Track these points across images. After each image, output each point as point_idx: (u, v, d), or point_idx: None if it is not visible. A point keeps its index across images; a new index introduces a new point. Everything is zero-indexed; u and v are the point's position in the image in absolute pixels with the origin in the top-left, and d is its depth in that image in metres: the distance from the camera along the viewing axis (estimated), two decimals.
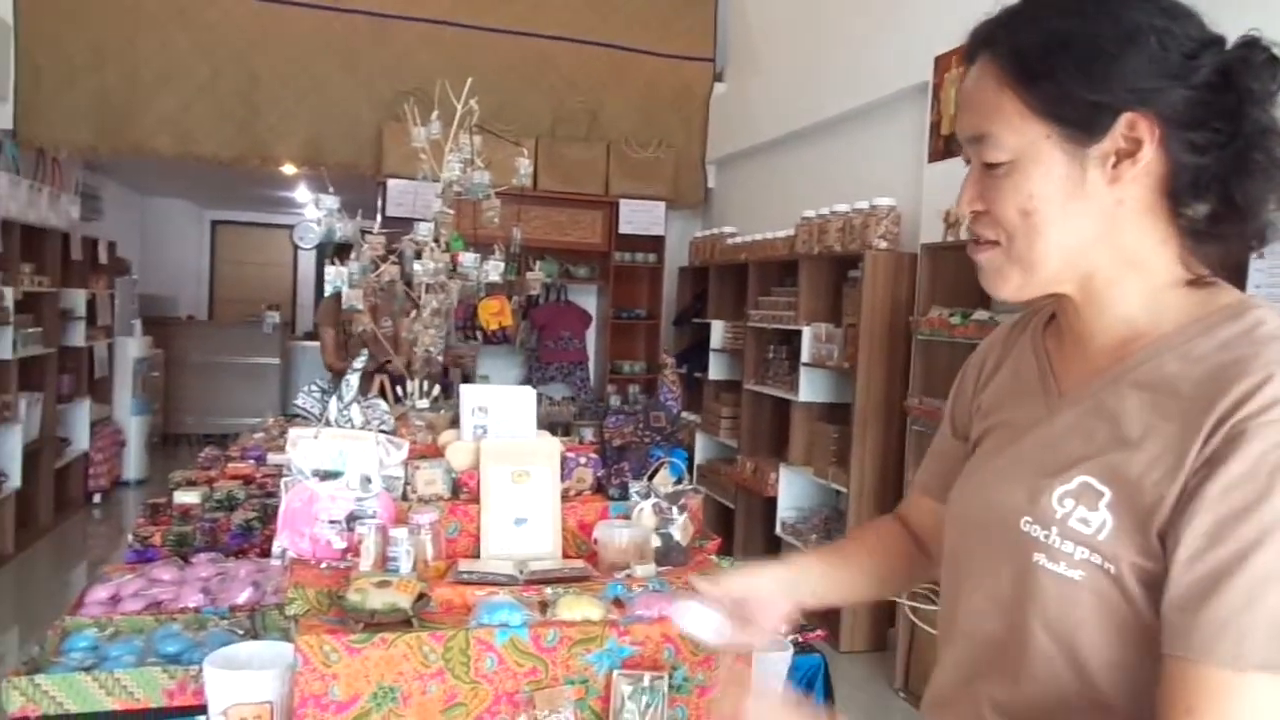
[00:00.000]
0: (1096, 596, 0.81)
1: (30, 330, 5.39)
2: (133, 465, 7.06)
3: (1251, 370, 0.76)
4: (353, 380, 1.80)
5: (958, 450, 1.09)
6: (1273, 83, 0.81)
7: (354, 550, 1.62)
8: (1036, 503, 0.86)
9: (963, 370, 1.14)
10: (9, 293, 5.02)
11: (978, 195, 0.89)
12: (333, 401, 1.77)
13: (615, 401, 6.24)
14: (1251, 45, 0.81)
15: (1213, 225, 0.84)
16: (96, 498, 6.54)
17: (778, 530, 4.73)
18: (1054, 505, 0.84)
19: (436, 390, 2.78)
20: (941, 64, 4.07)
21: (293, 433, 1.72)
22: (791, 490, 4.71)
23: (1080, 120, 0.82)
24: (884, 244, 4.15)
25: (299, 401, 1.81)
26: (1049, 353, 0.98)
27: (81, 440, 6.36)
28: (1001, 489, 0.92)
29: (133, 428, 7.03)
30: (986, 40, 0.88)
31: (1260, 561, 0.72)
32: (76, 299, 6.14)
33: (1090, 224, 0.85)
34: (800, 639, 1.95)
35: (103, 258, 6.79)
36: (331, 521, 1.67)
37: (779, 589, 1.09)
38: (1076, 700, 0.84)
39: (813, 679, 1.89)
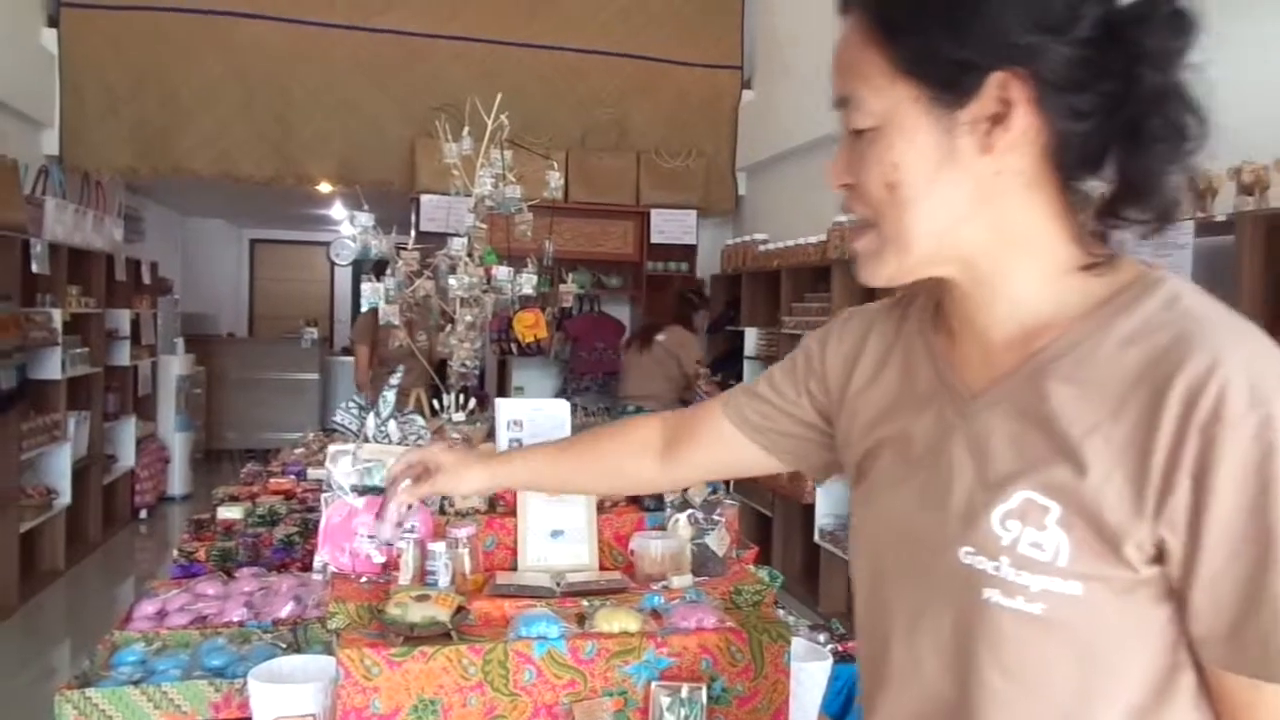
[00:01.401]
0: (1067, 630, 0.73)
1: (78, 350, 5.52)
2: (177, 481, 7.20)
3: (1191, 354, 0.69)
4: (389, 396, 1.82)
5: (795, 412, 1.02)
6: (1177, 39, 0.70)
7: (393, 565, 1.64)
8: (975, 527, 0.76)
9: (822, 338, 1.02)
10: (57, 314, 5.15)
11: (846, 167, 0.81)
12: (370, 417, 1.80)
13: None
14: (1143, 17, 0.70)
15: (1113, 203, 0.75)
16: (143, 513, 6.68)
17: (816, 538, 4.71)
18: (996, 530, 0.75)
19: (472, 403, 2.80)
20: None
21: (331, 449, 1.75)
22: (829, 497, 4.68)
23: (946, 80, 0.73)
24: None
25: (337, 418, 1.83)
26: (941, 349, 0.87)
27: (128, 457, 6.50)
28: (923, 514, 0.82)
29: (176, 444, 7.17)
30: None
31: None
32: (121, 319, 6.29)
33: (963, 198, 0.75)
34: (840, 648, 1.94)
35: (145, 278, 6.94)
36: (370, 536, 1.69)
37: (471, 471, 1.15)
38: None
39: (852, 688, 1.88)
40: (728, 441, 1.09)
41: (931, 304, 0.91)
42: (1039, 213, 0.77)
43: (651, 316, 6.53)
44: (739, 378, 5.77)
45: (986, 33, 0.70)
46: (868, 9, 0.77)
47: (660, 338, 5.31)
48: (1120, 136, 0.73)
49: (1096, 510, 0.71)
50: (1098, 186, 0.76)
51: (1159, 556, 0.72)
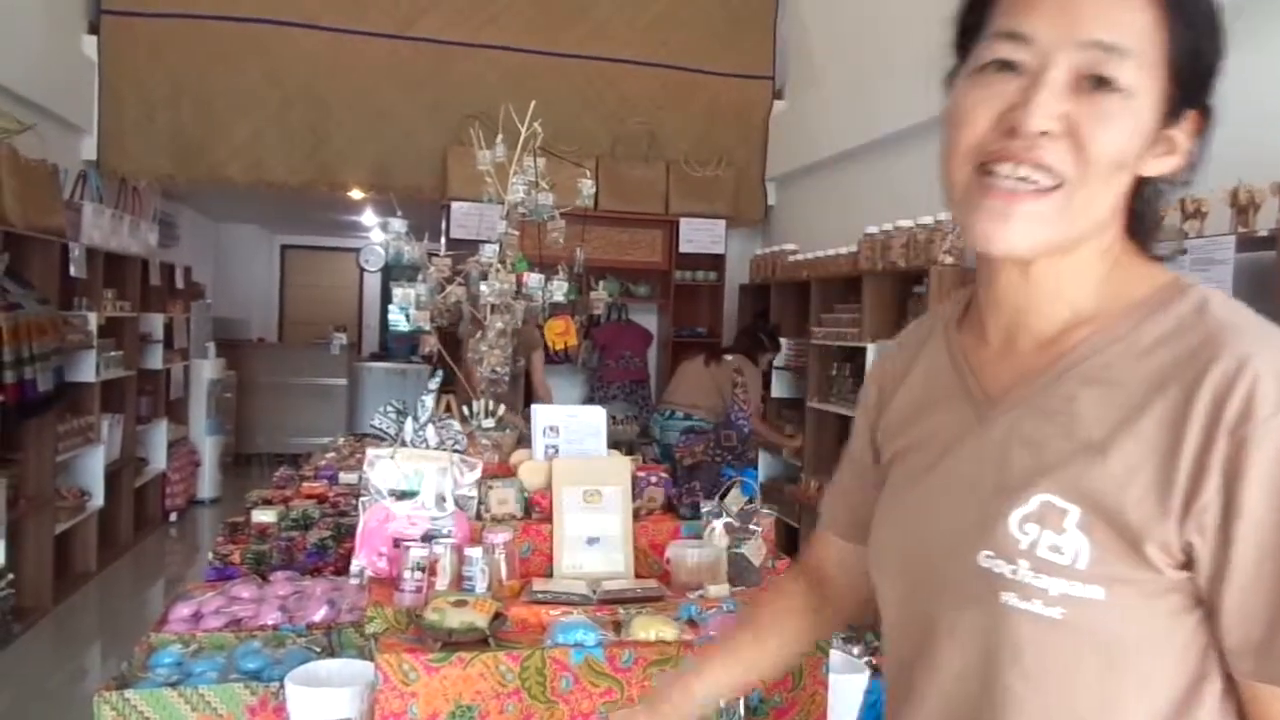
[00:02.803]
0: (1088, 635, 0.72)
1: (112, 354, 5.59)
2: (207, 484, 7.26)
3: (1220, 356, 0.69)
4: (428, 400, 1.83)
5: (873, 478, 0.96)
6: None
7: (430, 570, 1.64)
8: (991, 532, 0.75)
9: (863, 389, 1.02)
10: (93, 318, 5.21)
11: (1063, 115, 0.71)
12: (408, 422, 1.80)
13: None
14: None
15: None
16: (173, 516, 6.74)
17: None
18: (1014, 533, 0.74)
19: (502, 410, 2.81)
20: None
21: (370, 453, 1.75)
22: None
23: (1192, 85, 0.74)
24: (949, 260, 4.09)
25: (375, 422, 1.84)
26: (965, 352, 0.86)
27: (159, 460, 6.57)
28: (940, 518, 0.81)
29: (207, 447, 7.24)
30: None
31: None
32: (155, 323, 6.36)
33: (1118, 199, 0.76)
34: (874, 661, 1.92)
35: (179, 282, 7.02)
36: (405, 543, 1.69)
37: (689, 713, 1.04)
38: None
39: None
40: (850, 557, 1.02)
41: (960, 308, 0.90)
42: (1117, 220, 0.79)
43: (679, 325, 6.55)
44: (767, 388, 5.74)
45: (1214, 74, 0.75)
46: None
47: (729, 359, 5.33)
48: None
49: (1119, 511, 0.70)
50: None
51: (1187, 562, 0.71)
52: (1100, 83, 0.71)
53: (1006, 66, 0.74)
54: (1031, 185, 0.72)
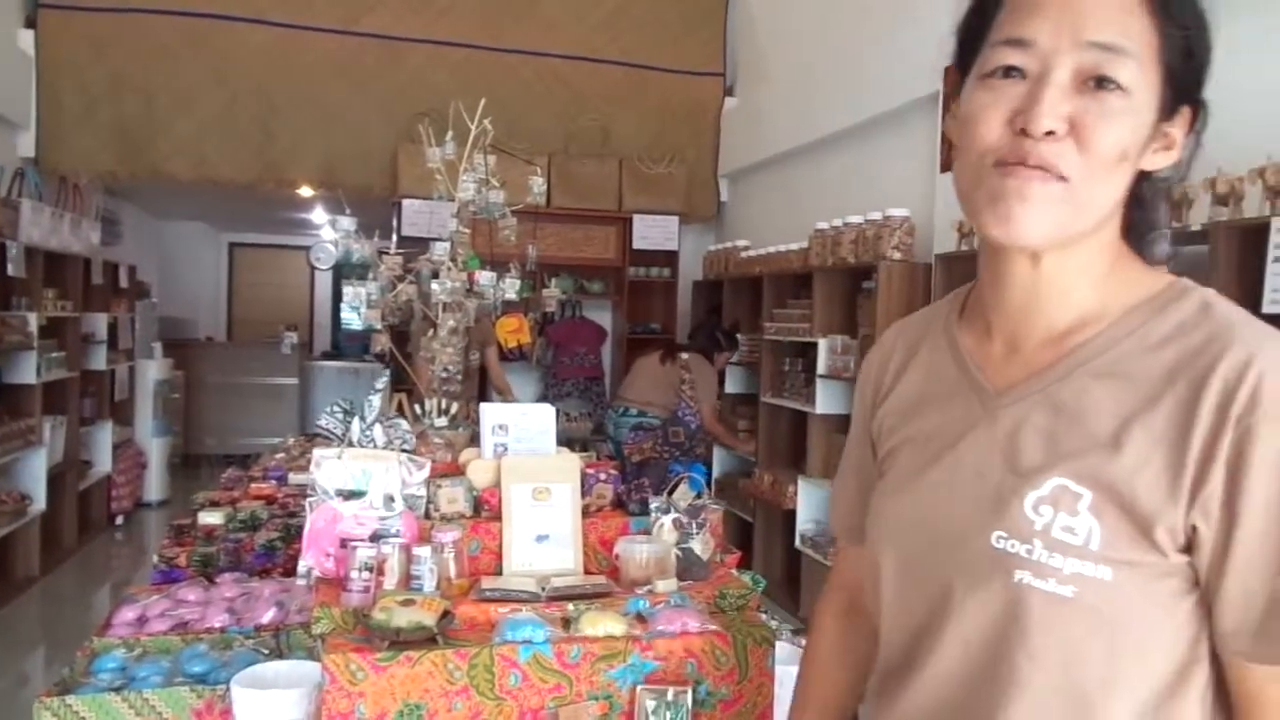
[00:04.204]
0: (1095, 614, 0.75)
1: (54, 355, 5.46)
2: (154, 487, 7.13)
3: (1228, 350, 0.73)
4: (375, 400, 1.82)
5: (878, 480, 0.96)
6: None
7: (378, 569, 1.63)
8: (1006, 514, 0.78)
9: (857, 392, 1.03)
10: (33, 318, 5.09)
11: (1063, 115, 0.75)
12: (355, 422, 1.79)
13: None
14: None
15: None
16: (119, 519, 6.61)
17: (797, 543, 4.73)
18: (1029, 514, 0.77)
19: (454, 408, 2.80)
20: (951, 75, 4.07)
21: (316, 453, 1.74)
22: (810, 503, 4.70)
23: (1186, 84, 0.79)
24: (898, 255, 4.16)
25: (322, 422, 1.83)
26: (969, 346, 0.89)
27: (104, 462, 6.43)
28: (949, 505, 0.83)
29: (154, 449, 7.10)
30: None
31: None
32: (98, 323, 6.23)
33: (1122, 194, 0.80)
34: None
35: (123, 282, 6.88)
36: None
37: None
38: None
39: None
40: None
41: (958, 305, 0.94)
42: (1116, 223, 0.83)
43: (634, 321, 6.57)
44: (720, 383, 5.78)
45: (1205, 71, 0.79)
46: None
47: (684, 357, 5.34)
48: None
49: (1130, 497, 0.74)
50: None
51: (1189, 546, 0.74)
52: (1101, 82, 0.74)
53: (1012, 70, 0.77)
54: (1043, 175, 0.76)
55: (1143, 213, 0.84)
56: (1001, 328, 0.86)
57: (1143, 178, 0.81)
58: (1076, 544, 0.75)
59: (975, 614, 0.80)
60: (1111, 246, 0.82)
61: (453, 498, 1.84)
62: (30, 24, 5.63)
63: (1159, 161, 0.80)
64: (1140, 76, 0.75)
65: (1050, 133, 0.74)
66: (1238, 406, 0.71)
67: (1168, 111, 0.78)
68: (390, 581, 1.60)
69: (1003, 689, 0.78)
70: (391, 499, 1.72)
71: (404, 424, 1.89)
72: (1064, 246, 0.79)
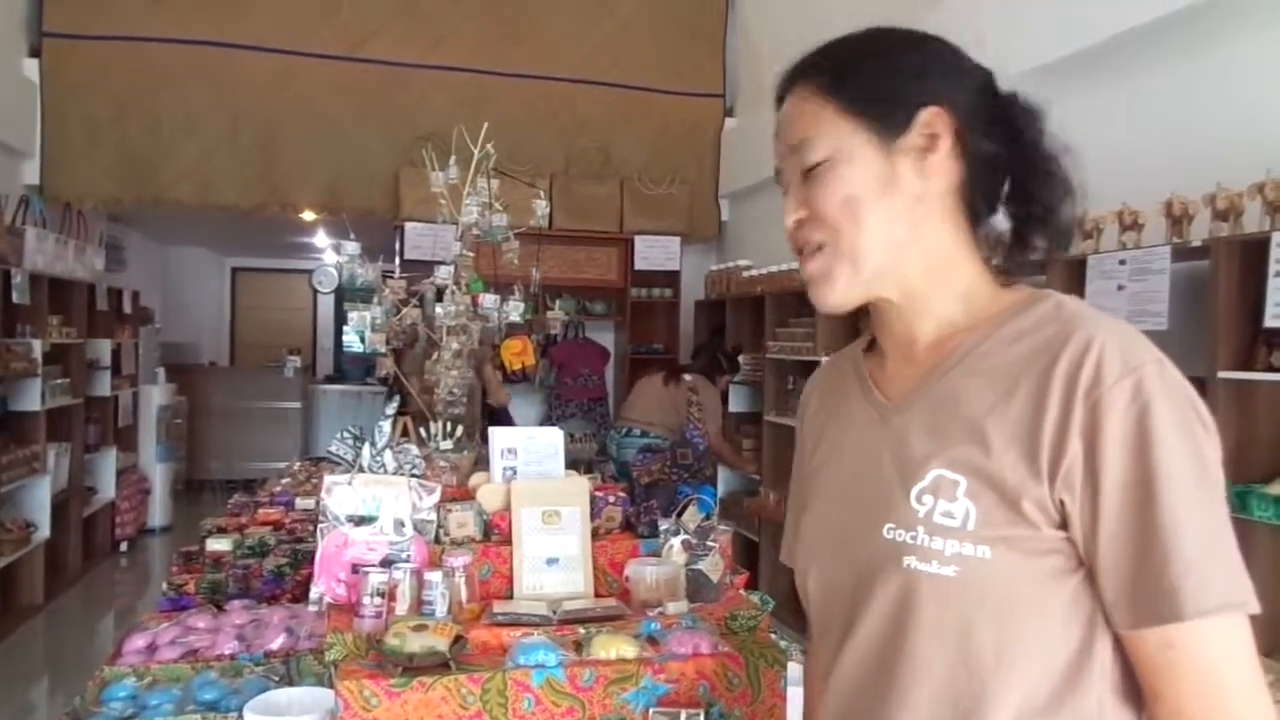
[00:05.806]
0: (981, 593, 0.80)
1: (58, 381, 5.47)
2: (158, 513, 7.12)
3: (1071, 338, 0.81)
4: (385, 426, 1.83)
5: None
6: (1032, 114, 0.90)
7: (390, 595, 1.64)
8: (894, 507, 0.86)
9: (798, 414, 1.12)
10: (38, 345, 5.11)
11: (801, 203, 0.92)
12: (366, 447, 1.80)
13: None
14: (1010, 96, 0.91)
15: (1020, 234, 0.91)
16: (123, 546, 6.59)
17: None
18: (914, 505, 0.84)
19: (459, 432, 2.80)
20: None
21: (327, 479, 1.75)
22: None
23: (885, 114, 0.88)
24: None
25: (332, 448, 1.83)
26: (871, 374, 0.98)
27: (108, 489, 6.43)
28: (853, 512, 0.91)
29: (158, 475, 7.10)
30: (802, 69, 0.94)
31: (1175, 513, 0.74)
32: (102, 349, 6.24)
33: (903, 220, 0.88)
34: None
35: (127, 307, 6.90)
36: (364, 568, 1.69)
37: None
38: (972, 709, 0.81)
39: None
40: None
41: (865, 341, 1.03)
42: (956, 242, 0.91)
43: (636, 342, 6.59)
44: (725, 403, 5.78)
45: (911, 75, 0.89)
46: (819, 71, 0.92)
47: (689, 379, 5.33)
48: (1020, 169, 0.89)
49: (1000, 479, 0.81)
50: (1000, 220, 0.93)
51: (1063, 522, 0.80)
52: (811, 168, 0.90)
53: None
54: (809, 253, 0.91)
55: (1010, 253, 0.92)
56: (892, 349, 0.96)
57: (969, 191, 0.89)
58: (955, 526, 0.81)
59: (880, 604, 0.86)
60: (966, 276, 0.91)
61: (463, 522, 1.84)
62: (35, 52, 5.69)
63: (937, 166, 0.87)
64: (834, 140, 0.88)
65: (798, 221, 0.91)
66: (1083, 384, 0.78)
67: (894, 133, 0.87)
68: (402, 607, 1.60)
69: (908, 670, 0.84)
70: (402, 524, 1.72)
71: (414, 449, 1.89)
72: (887, 283, 0.90)
